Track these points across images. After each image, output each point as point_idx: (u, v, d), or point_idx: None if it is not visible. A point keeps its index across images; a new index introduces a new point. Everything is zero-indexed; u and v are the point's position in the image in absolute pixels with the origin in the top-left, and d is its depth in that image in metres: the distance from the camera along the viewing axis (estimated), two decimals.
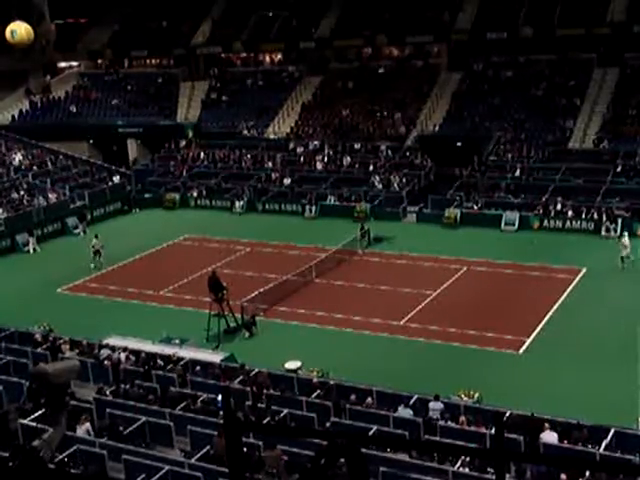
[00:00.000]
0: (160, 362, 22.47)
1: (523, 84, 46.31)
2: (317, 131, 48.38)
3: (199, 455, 16.65)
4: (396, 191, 41.53)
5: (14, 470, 4.30)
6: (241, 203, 43.01)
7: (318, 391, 20.23)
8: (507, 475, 15.11)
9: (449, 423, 18.23)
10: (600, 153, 41.06)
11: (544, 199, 37.79)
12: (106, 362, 22.28)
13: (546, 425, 17.38)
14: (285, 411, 18.67)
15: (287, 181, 44.16)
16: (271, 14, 55.65)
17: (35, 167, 46.19)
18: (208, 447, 16.81)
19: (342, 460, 3.88)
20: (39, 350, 23.26)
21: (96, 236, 35.16)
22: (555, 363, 23.30)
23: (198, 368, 22.18)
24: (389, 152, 44.81)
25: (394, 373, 22.75)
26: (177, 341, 24.71)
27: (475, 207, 38.68)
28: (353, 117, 48.30)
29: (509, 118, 44.67)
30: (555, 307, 27.47)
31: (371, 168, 43.78)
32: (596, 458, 16.30)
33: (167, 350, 23.40)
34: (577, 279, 30.00)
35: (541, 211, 37.22)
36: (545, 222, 36.82)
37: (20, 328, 25.52)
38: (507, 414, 17.88)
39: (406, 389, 20.21)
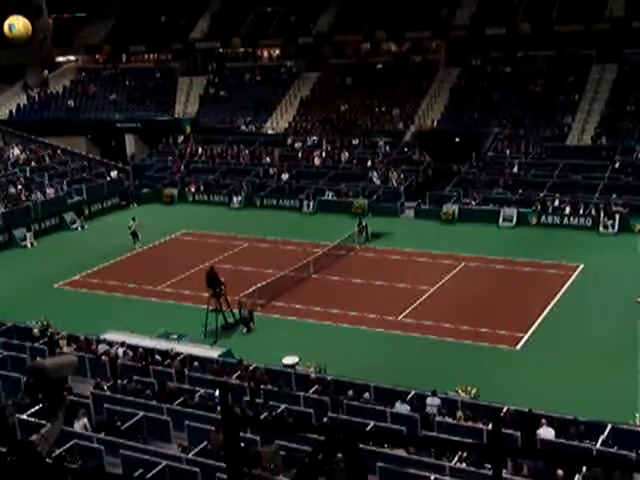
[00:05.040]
0: (158, 357, 22.48)
1: (521, 80, 46.29)
2: (315, 126, 48.35)
3: (197, 450, 16.65)
4: (394, 187, 41.54)
5: (12, 465, 4.30)
6: (239, 198, 42.99)
7: (315, 386, 20.25)
8: (504, 471, 15.15)
9: (446, 419, 18.25)
10: (598, 149, 41.07)
11: (542, 195, 37.81)
12: (104, 357, 22.28)
13: (543, 421, 17.40)
14: (282, 406, 18.67)
15: (285, 176, 44.15)
16: (269, 9, 55.61)
17: (33, 162, 46.14)
18: (206, 442, 16.81)
19: (340, 455, 3.89)
20: (37, 345, 23.25)
21: (133, 219, 36.59)
22: (553, 359, 23.33)
23: (196, 363, 22.19)
24: (387, 148, 44.79)
25: (391, 369, 22.76)
26: (175, 336, 24.73)
27: (473, 203, 38.69)
28: (351, 113, 48.26)
29: (507, 114, 44.66)
30: (553, 303, 27.50)
31: (369, 164, 43.79)
32: (593, 454, 16.34)
33: (165, 345, 23.41)
34: (575, 275, 30.02)
35: (539, 207, 37.23)
36: (543, 218, 36.82)
37: (18, 323, 25.52)
38: (504, 410, 17.90)
39: (403, 385, 20.23)
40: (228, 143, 48.48)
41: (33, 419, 17.56)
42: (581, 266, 30.75)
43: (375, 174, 42.58)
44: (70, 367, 4.86)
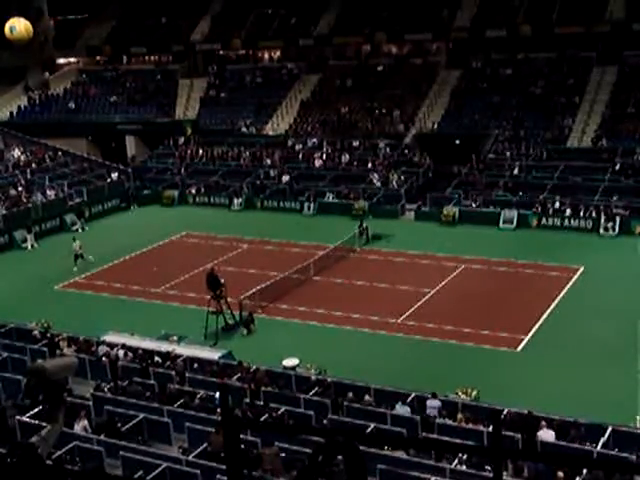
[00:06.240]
0: (158, 359, 22.47)
1: (522, 82, 46.30)
2: (316, 128, 48.37)
3: (197, 452, 16.66)
4: (395, 188, 41.54)
5: (12, 466, 4.31)
6: (239, 200, 42.98)
7: (316, 388, 20.25)
8: (504, 473, 15.14)
9: (447, 421, 18.25)
10: (598, 151, 41.06)
11: (542, 197, 37.78)
12: (104, 359, 22.28)
13: (543, 423, 17.40)
14: (283, 408, 18.67)
15: (286, 178, 44.14)
16: (270, 11, 55.62)
17: (33, 164, 46.16)
18: (206, 444, 16.81)
19: (340, 457, 3.89)
20: (37, 347, 23.25)
21: (74, 239, 34.41)
22: (553, 361, 23.32)
23: (196, 365, 22.18)
24: (388, 150, 44.80)
25: (392, 371, 22.76)
26: (175, 338, 24.72)
27: (473, 205, 38.69)
28: (352, 115, 48.28)
29: (508, 116, 44.66)
30: (553, 305, 27.49)
31: (370, 165, 43.79)
32: (593, 456, 16.33)
33: (165, 347, 23.41)
34: (575, 277, 30.02)
35: (539, 209, 37.22)
36: (543, 220, 36.81)
37: (18, 324, 25.53)
38: (504, 412, 17.90)
39: (404, 387, 20.23)
40: (228, 145, 48.48)
41: (33, 421, 17.56)
42: (581, 268, 30.74)
43: (375, 176, 42.58)
44: (70, 369, 4.86)
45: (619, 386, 21.18)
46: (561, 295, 28.40)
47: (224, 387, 19.41)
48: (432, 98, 47.73)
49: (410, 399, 19.28)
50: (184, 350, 23.36)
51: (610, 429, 17.22)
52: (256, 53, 56.67)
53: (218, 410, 17.93)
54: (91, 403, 19.29)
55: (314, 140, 46.97)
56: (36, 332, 24.58)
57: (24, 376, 19.70)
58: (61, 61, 59.90)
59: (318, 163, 45.21)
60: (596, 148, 41.39)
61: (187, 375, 21.27)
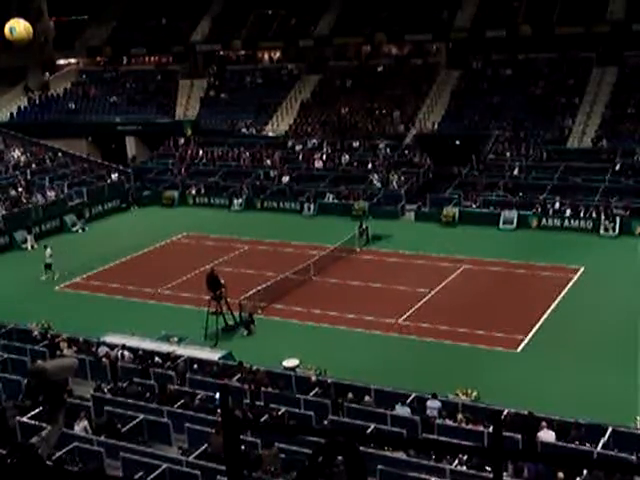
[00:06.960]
0: (158, 360, 22.47)
1: (522, 82, 46.30)
2: (316, 129, 48.36)
3: (197, 453, 16.65)
4: (395, 189, 41.54)
5: (12, 467, 4.31)
6: (239, 201, 42.99)
7: (316, 389, 20.24)
8: (504, 473, 15.14)
9: (447, 421, 18.25)
10: (599, 152, 41.06)
11: (542, 198, 37.78)
12: (104, 359, 22.27)
13: (543, 423, 17.39)
14: (283, 409, 18.67)
15: (286, 179, 44.15)
16: (270, 12, 55.61)
17: (33, 164, 46.18)
18: (206, 445, 16.81)
19: (340, 458, 3.89)
20: (37, 347, 23.25)
21: (45, 247, 33.68)
22: (553, 362, 23.31)
23: (196, 366, 22.18)
24: (388, 150, 44.80)
25: (392, 371, 22.76)
26: (175, 339, 24.71)
27: (473, 206, 38.69)
28: (352, 115, 48.28)
29: (508, 117, 44.65)
30: (553, 306, 27.48)
31: (370, 166, 43.80)
32: (593, 457, 16.32)
33: (165, 348, 23.41)
34: (575, 278, 30.01)
35: (539, 210, 37.21)
36: (543, 221, 36.81)
37: (18, 325, 25.52)
38: (505, 412, 17.89)
39: (404, 387, 20.23)
40: (229, 145, 48.48)
41: (33, 421, 17.56)
42: (582, 269, 30.73)
43: (376, 177, 42.57)
44: (70, 369, 4.87)
45: (619, 386, 21.17)
46: (561, 295, 28.39)
47: (224, 388, 19.41)
48: (432, 98, 47.74)
49: (410, 400, 19.28)
50: (184, 351, 23.36)
51: (610, 429, 17.22)
52: (256, 54, 56.66)
53: (218, 411, 17.92)
54: (91, 404, 19.28)
55: (314, 141, 46.97)
56: (36, 333, 24.58)
57: (24, 377, 19.72)
58: (61, 62, 59.87)
59: (318, 164, 45.21)
60: (596, 149, 41.39)
61: (187, 376, 21.27)
